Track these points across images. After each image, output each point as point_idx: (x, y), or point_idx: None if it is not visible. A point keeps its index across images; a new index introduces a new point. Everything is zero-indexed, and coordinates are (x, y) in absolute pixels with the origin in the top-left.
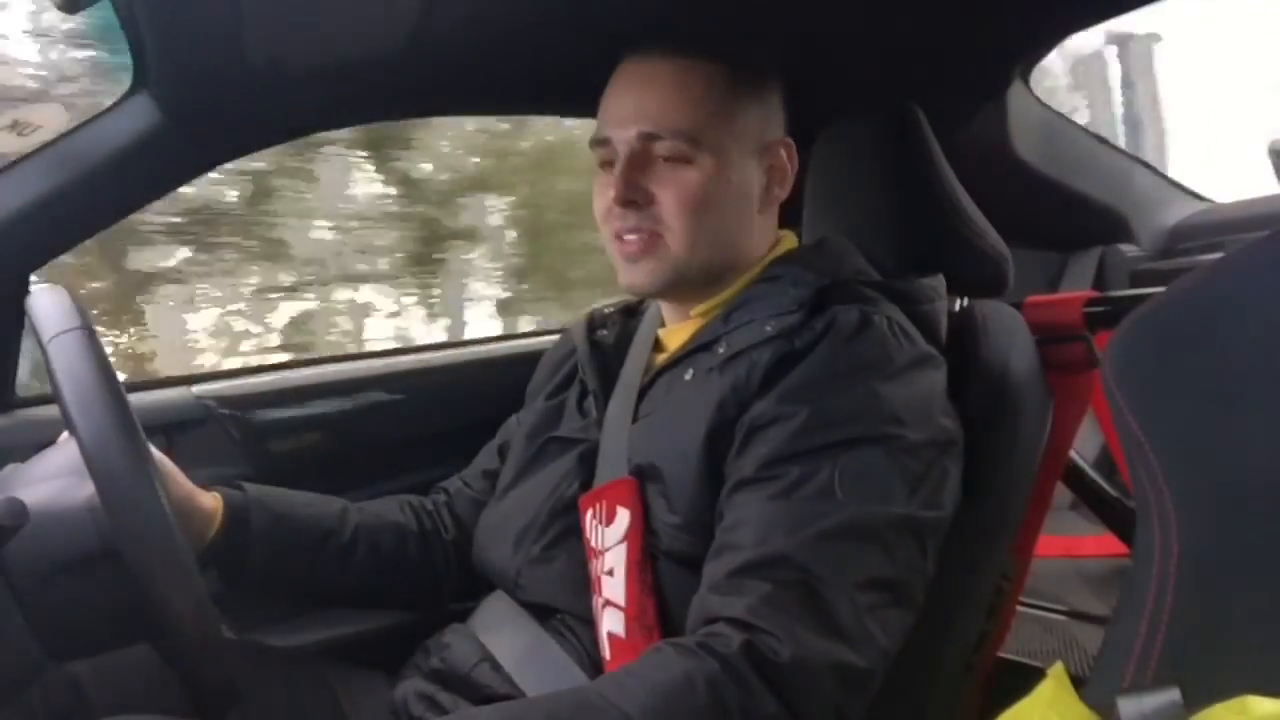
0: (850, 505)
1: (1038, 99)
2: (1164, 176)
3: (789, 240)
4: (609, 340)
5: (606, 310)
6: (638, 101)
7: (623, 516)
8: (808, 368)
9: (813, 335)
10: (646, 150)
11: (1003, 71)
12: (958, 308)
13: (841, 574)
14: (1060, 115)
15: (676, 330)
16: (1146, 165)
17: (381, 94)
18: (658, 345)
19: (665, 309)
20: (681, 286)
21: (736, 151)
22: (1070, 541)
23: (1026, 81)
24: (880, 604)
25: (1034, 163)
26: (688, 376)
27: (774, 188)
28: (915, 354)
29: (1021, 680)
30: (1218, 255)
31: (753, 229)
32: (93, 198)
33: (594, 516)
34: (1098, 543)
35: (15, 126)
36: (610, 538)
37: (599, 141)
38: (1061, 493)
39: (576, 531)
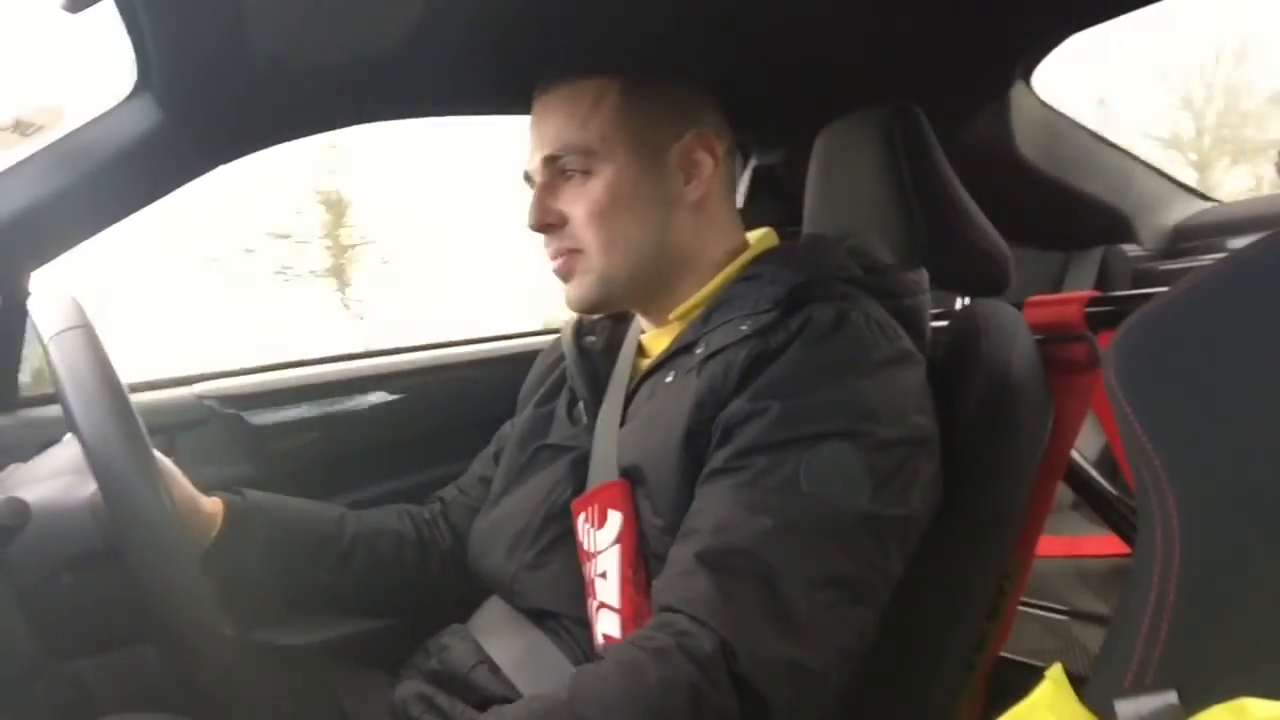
0: (813, 498)
1: (1040, 99)
2: (1166, 176)
3: (769, 238)
4: (597, 346)
5: (594, 316)
6: (539, 130)
7: (614, 519)
8: (782, 366)
9: (788, 334)
10: (554, 173)
11: (1004, 71)
12: (958, 307)
13: (799, 569)
14: (1063, 115)
15: (659, 335)
16: (1148, 165)
17: (382, 94)
18: (642, 350)
19: (644, 316)
20: (622, 296)
21: (639, 155)
22: (1071, 541)
23: (1028, 81)
24: (838, 602)
25: (1036, 162)
26: (669, 379)
27: (694, 183)
28: (892, 351)
29: (1023, 680)
30: (1220, 255)
31: (686, 228)
32: (94, 198)
33: (586, 520)
34: (1099, 543)
35: (18, 126)
36: (603, 540)
37: (525, 178)
38: (1063, 493)
39: (570, 536)
